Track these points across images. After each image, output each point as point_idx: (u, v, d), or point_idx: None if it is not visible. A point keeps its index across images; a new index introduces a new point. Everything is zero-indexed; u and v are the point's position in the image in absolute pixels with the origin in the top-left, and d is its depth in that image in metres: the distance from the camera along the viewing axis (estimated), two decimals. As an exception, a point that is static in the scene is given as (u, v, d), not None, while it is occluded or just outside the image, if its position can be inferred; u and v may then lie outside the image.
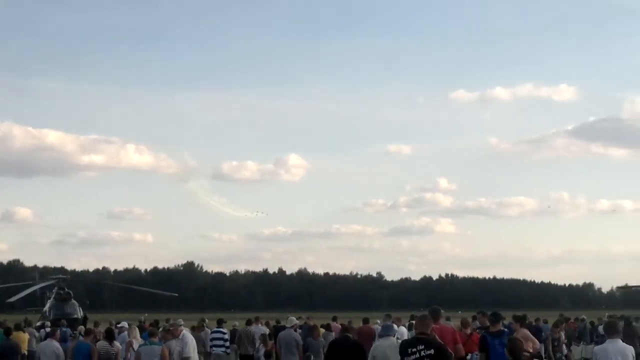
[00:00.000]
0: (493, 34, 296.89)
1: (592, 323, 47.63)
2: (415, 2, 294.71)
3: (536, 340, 23.50)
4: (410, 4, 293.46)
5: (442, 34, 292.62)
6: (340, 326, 34.18)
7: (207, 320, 40.93)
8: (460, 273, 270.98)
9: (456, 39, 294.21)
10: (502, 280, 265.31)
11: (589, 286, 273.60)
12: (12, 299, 76.63)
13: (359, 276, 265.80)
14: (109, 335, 24.81)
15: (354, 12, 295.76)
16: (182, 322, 24.73)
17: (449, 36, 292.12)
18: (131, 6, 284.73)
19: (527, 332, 22.70)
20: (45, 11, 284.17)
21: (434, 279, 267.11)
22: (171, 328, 23.84)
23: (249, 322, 34.62)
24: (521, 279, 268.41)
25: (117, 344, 24.85)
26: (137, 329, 27.91)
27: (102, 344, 24.40)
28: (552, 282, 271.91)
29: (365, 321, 32.76)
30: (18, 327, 30.46)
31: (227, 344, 33.55)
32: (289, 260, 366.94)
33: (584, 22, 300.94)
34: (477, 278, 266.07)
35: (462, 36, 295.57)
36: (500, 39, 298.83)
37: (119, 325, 35.41)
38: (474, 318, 30.34)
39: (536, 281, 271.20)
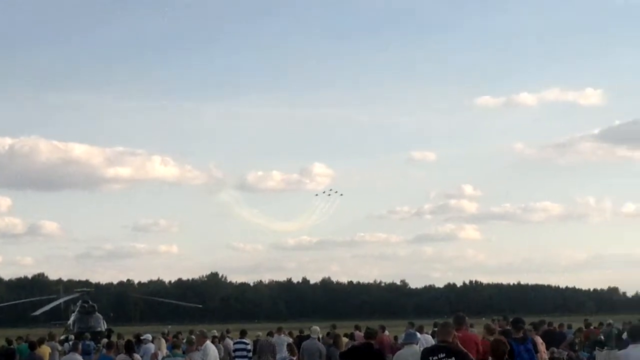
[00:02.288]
0: (518, 39, 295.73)
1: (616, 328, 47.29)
2: (438, 8, 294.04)
3: (543, 349, 23.33)
4: (433, 10, 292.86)
5: (466, 39, 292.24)
6: (363, 335, 34.11)
7: (230, 331, 40.88)
8: (485, 279, 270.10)
9: (481, 44, 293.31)
10: (527, 286, 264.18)
11: (613, 290, 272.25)
12: (37, 313, 77.04)
13: (383, 284, 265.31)
14: (129, 348, 24.82)
15: (376, 17, 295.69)
16: (206, 333, 24.73)
17: (474, 41, 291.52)
18: (154, 17, 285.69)
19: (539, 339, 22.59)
20: (68, 24, 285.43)
21: (458, 285, 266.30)
22: (194, 339, 23.84)
23: (270, 333, 34.64)
24: (546, 284, 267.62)
25: (137, 356, 24.85)
26: (163, 340, 27.94)
27: (122, 357, 24.40)
28: (577, 287, 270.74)
29: (382, 329, 32.69)
30: (41, 342, 30.59)
31: (250, 354, 33.56)
32: (314, 270, 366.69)
33: (608, 25, 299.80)
34: (502, 284, 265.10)
35: (487, 41, 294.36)
36: (525, 43, 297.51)
37: (142, 338, 35.44)
38: (493, 321, 30.24)
39: (561, 286, 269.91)
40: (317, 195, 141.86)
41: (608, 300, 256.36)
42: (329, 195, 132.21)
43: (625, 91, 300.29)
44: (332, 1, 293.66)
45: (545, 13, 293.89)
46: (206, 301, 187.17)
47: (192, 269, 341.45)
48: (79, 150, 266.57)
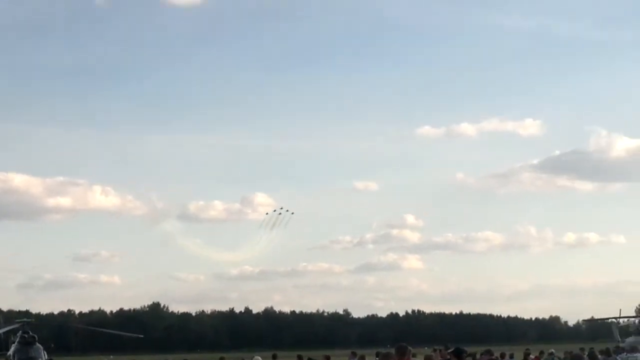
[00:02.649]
0: (457, 70, 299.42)
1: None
2: (381, 39, 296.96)
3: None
4: (376, 40, 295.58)
5: (407, 70, 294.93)
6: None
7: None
8: (428, 309, 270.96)
9: (421, 74, 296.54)
10: (469, 316, 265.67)
11: (555, 320, 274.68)
12: (-24, 344, 75.84)
13: (325, 314, 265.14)
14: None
15: (320, 48, 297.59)
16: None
17: (415, 72, 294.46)
18: (95, 47, 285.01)
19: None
20: (8, 53, 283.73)
21: (401, 315, 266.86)
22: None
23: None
24: (488, 313, 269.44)
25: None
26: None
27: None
28: (519, 317, 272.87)
29: (325, 359, 32.78)
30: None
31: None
32: (256, 300, 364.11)
33: (548, 56, 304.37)
34: (445, 314, 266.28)
35: (427, 72, 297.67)
36: (465, 74, 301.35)
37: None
38: (435, 351, 30.47)
39: (503, 316, 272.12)
40: (267, 213, 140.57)
41: (550, 329, 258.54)
42: (280, 214, 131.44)
43: (564, 122, 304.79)
44: (270, 32, 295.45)
45: (485, 44, 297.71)
46: (148, 331, 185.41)
47: (133, 299, 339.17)
48: (18, 180, 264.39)
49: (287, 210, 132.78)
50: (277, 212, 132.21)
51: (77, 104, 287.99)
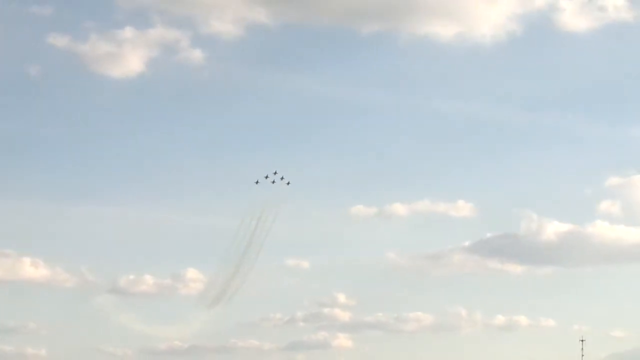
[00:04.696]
0: (391, 151, 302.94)
1: None
2: (317, 118, 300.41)
3: None
4: (312, 119, 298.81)
5: (342, 150, 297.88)
6: None
7: None
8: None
9: (356, 155, 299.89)
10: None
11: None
12: None
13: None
14: None
15: (248, 133, 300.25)
16: None
17: (349, 152, 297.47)
18: (22, 120, 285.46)
19: None
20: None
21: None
22: None
23: None
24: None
25: None
26: None
27: None
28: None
29: None
30: None
31: None
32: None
33: (480, 140, 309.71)
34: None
35: (361, 153, 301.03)
36: (398, 155, 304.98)
37: None
38: None
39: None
40: (257, 182, 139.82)
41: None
42: (273, 182, 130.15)
43: (496, 204, 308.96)
44: (196, 116, 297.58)
45: (419, 126, 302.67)
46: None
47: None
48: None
49: (282, 178, 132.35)
50: (269, 180, 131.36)
51: (6, 175, 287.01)
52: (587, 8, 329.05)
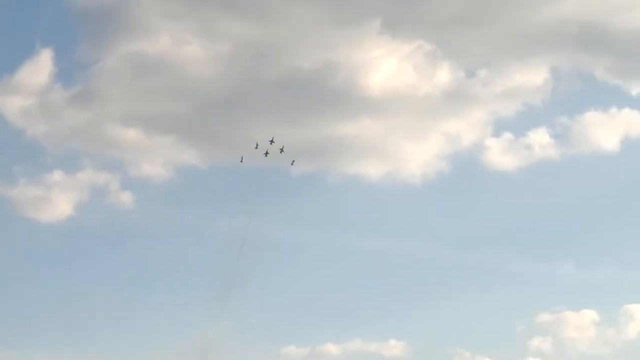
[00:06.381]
0: (322, 290, 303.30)
1: None
2: (247, 258, 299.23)
3: None
4: (242, 260, 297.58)
5: (273, 290, 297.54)
6: None
7: None
8: None
9: (287, 294, 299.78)
10: None
11: None
12: None
13: None
14: None
15: (177, 264, 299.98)
16: None
17: (280, 292, 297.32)
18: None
19: None
20: None
21: None
22: None
23: None
24: None
25: None
26: None
27: None
28: None
29: None
30: None
31: None
32: None
33: (411, 278, 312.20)
34: None
35: (293, 292, 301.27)
36: (329, 295, 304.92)
37: None
38: None
39: None
40: (256, 148, 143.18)
41: None
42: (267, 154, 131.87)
43: (427, 343, 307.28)
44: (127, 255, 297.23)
45: (348, 264, 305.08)
46: None
47: None
48: None
49: (282, 150, 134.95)
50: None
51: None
52: (513, 146, 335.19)
